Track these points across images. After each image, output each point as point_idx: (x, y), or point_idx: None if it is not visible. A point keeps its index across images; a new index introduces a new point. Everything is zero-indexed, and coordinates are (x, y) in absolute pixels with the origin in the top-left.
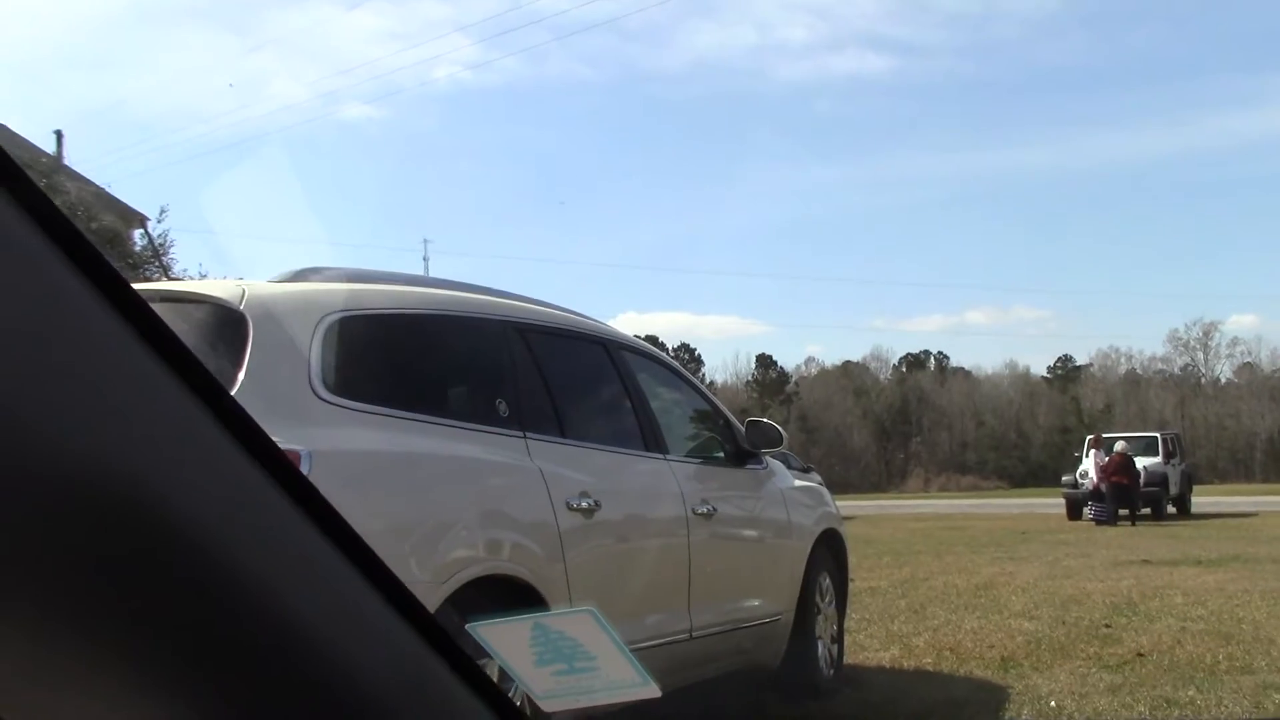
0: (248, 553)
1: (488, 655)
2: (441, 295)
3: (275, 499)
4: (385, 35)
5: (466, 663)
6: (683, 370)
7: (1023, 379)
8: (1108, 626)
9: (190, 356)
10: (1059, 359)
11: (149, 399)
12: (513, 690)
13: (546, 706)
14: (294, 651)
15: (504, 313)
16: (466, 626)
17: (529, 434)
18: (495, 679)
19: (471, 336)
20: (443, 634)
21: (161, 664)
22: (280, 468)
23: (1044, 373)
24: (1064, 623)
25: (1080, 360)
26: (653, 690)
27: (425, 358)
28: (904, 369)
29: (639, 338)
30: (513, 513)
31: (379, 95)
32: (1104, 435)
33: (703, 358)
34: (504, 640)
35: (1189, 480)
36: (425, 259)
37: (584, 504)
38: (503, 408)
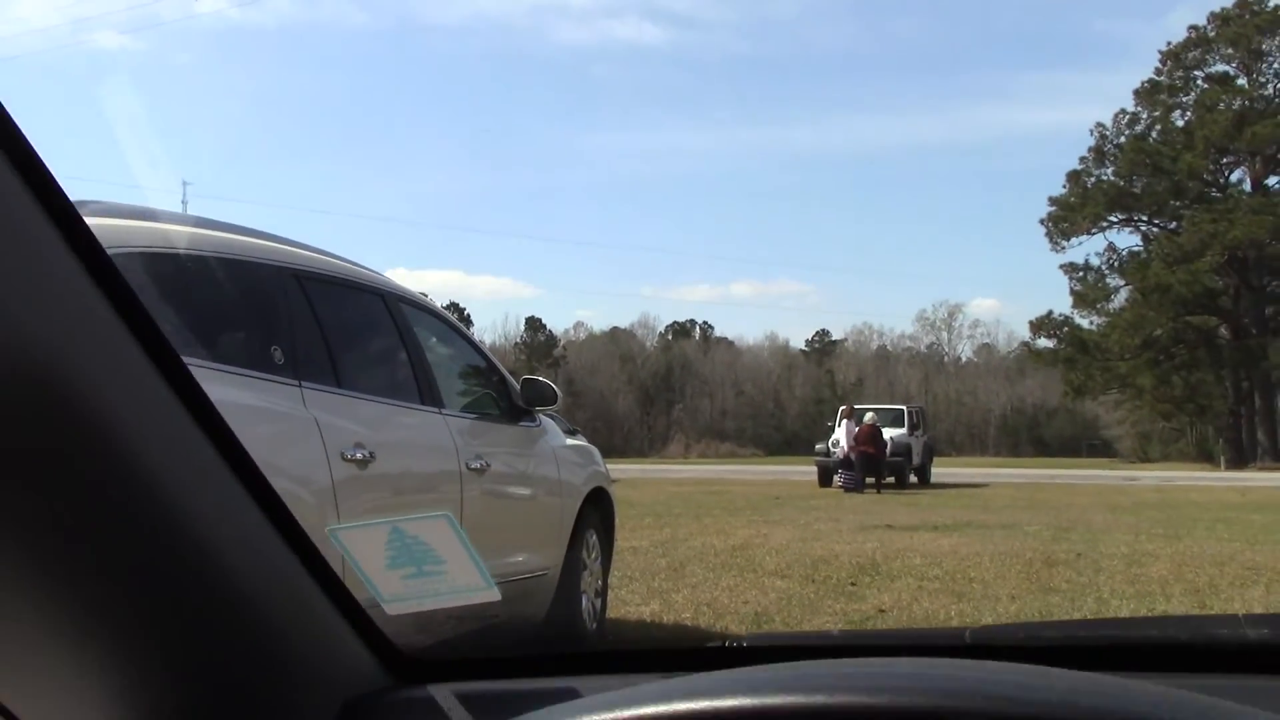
0: (155, 461)
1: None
2: (215, 236)
3: (177, 409)
4: None
5: (343, 592)
6: (460, 326)
7: (782, 351)
8: (853, 585)
9: (105, 258)
10: (816, 333)
11: (67, 294)
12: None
13: (390, 610)
14: (190, 559)
15: (281, 258)
16: (327, 529)
17: (304, 383)
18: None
19: (246, 280)
20: (326, 567)
21: (71, 566)
22: (179, 377)
23: (802, 346)
24: (813, 581)
25: (836, 335)
26: (493, 594)
27: (195, 300)
28: (670, 337)
29: None
30: (284, 462)
31: (137, 25)
32: (855, 406)
33: (472, 318)
34: (360, 544)
35: (930, 452)
36: (184, 202)
37: (358, 455)
38: (278, 355)
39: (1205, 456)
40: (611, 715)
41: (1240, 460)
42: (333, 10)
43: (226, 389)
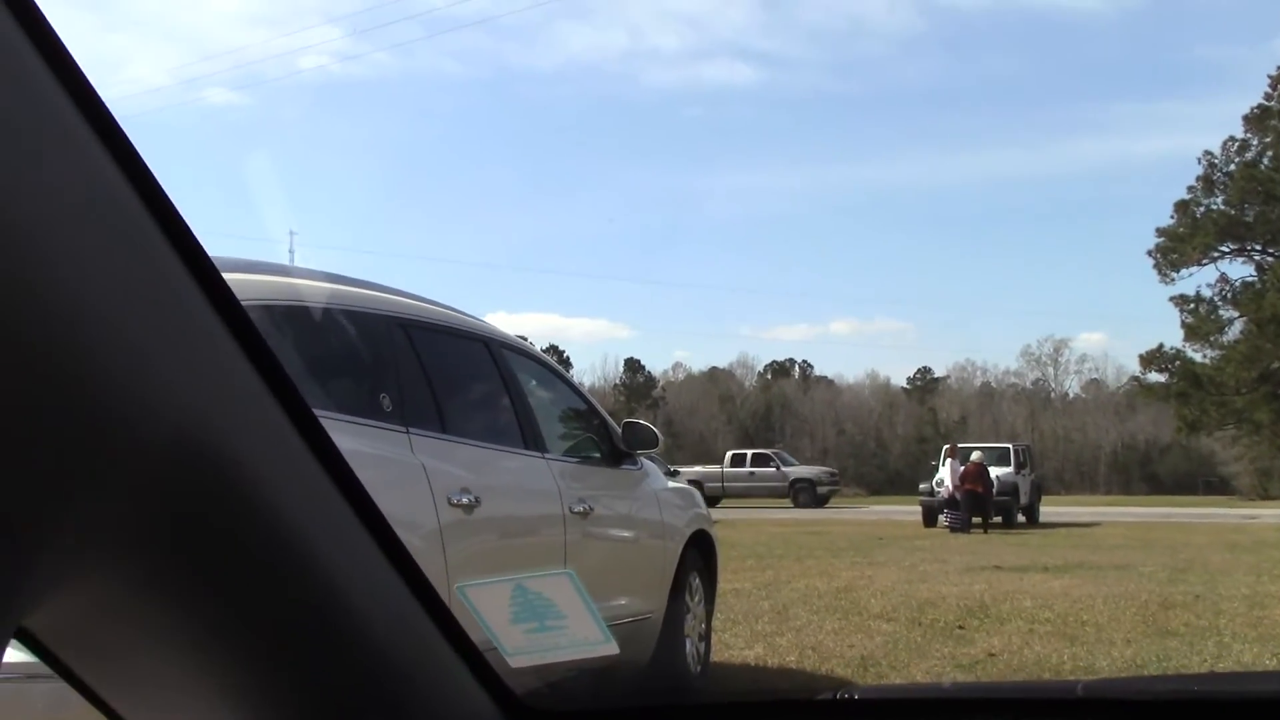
0: (294, 516)
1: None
2: (325, 287)
3: (313, 465)
4: (250, 20)
5: (454, 626)
6: (560, 369)
7: (883, 389)
8: (961, 628)
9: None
10: (918, 370)
11: (213, 353)
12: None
13: (514, 662)
14: (324, 609)
15: (388, 307)
16: (455, 587)
17: (411, 429)
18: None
19: (355, 330)
20: (447, 613)
21: (213, 619)
22: (314, 432)
23: (903, 383)
24: (920, 624)
25: (938, 372)
26: (612, 648)
27: (307, 349)
28: (769, 376)
29: None
30: (392, 507)
31: (243, 82)
32: (959, 445)
33: (571, 360)
34: (486, 600)
35: (1038, 490)
36: (291, 251)
37: (464, 499)
38: (386, 402)
39: None
40: None
41: None
42: (429, 62)
43: (338, 436)
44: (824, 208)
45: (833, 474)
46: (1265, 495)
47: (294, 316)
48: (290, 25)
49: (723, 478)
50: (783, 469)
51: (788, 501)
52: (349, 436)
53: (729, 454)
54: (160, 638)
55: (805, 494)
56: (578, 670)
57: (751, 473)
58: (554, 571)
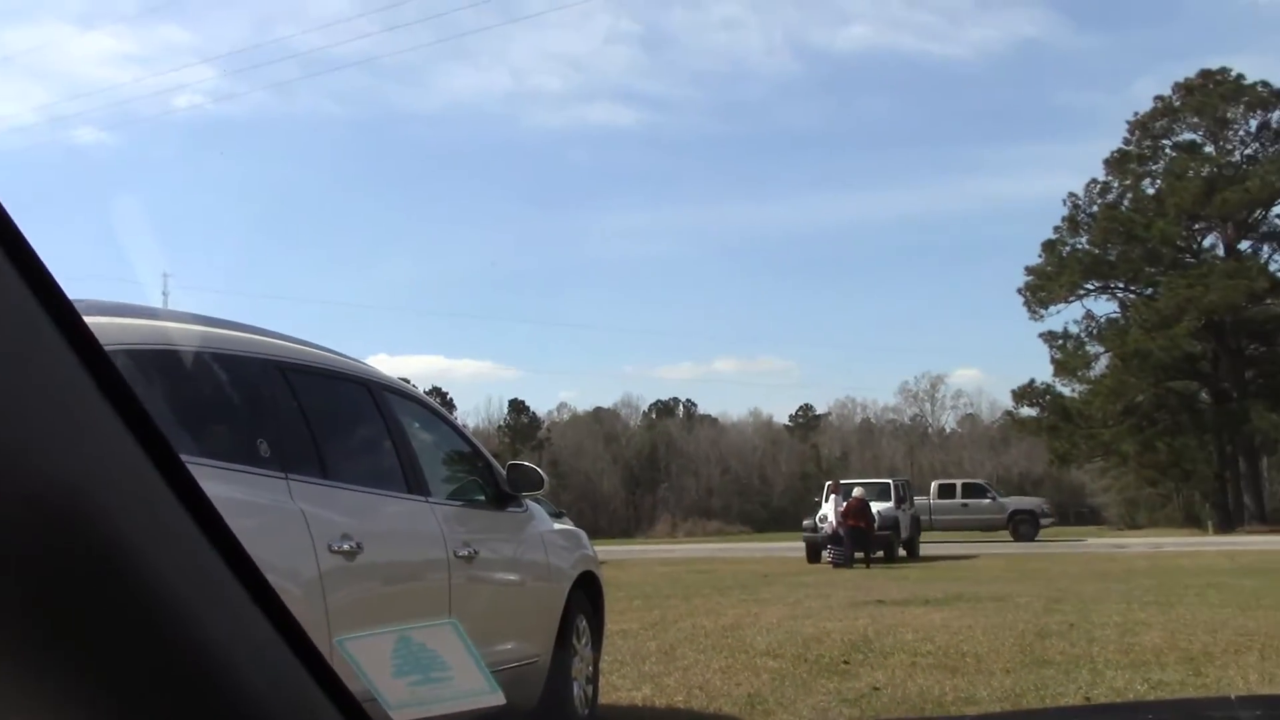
0: (163, 571)
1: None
2: (199, 331)
3: (182, 516)
4: (122, 59)
5: (335, 681)
6: (444, 412)
7: (766, 426)
8: (846, 663)
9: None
10: (800, 408)
11: (71, 400)
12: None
13: (397, 716)
14: (181, 648)
15: (265, 350)
16: (335, 640)
17: (290, 474)
18: None
19: (230, 374)
20: (326, 667)
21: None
22: (183, 483)
23: (786, 421)
24: (806, 660)
25: (820, 409)
26: (498, 698)
27: (179, 395)
28: (654, 415)
29: None
30: (271, 555)
31: (115, 121)
32: (841, 481)
33: (454, 401)
34: (368, 653)
35: (918, 524)
36: (165, 294)
37: (346, 546)
38: (263, 447)
39: (1192, 521)
40: None
41: (1228, 524)
42: (309, 102)
43: (212, 483)
44: (708, 248)
45: (1046, 505)
46: (1133, 525)
47: (163, 361)
48: (164, 64)
49: (930, 510)
50: (999, 500)
51: (1005, 535)
52: (224, 483)
53: (935, 484)
54: (17, 704)
55: (1026, 525)
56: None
57: (965, 504)
58: (438, 622)
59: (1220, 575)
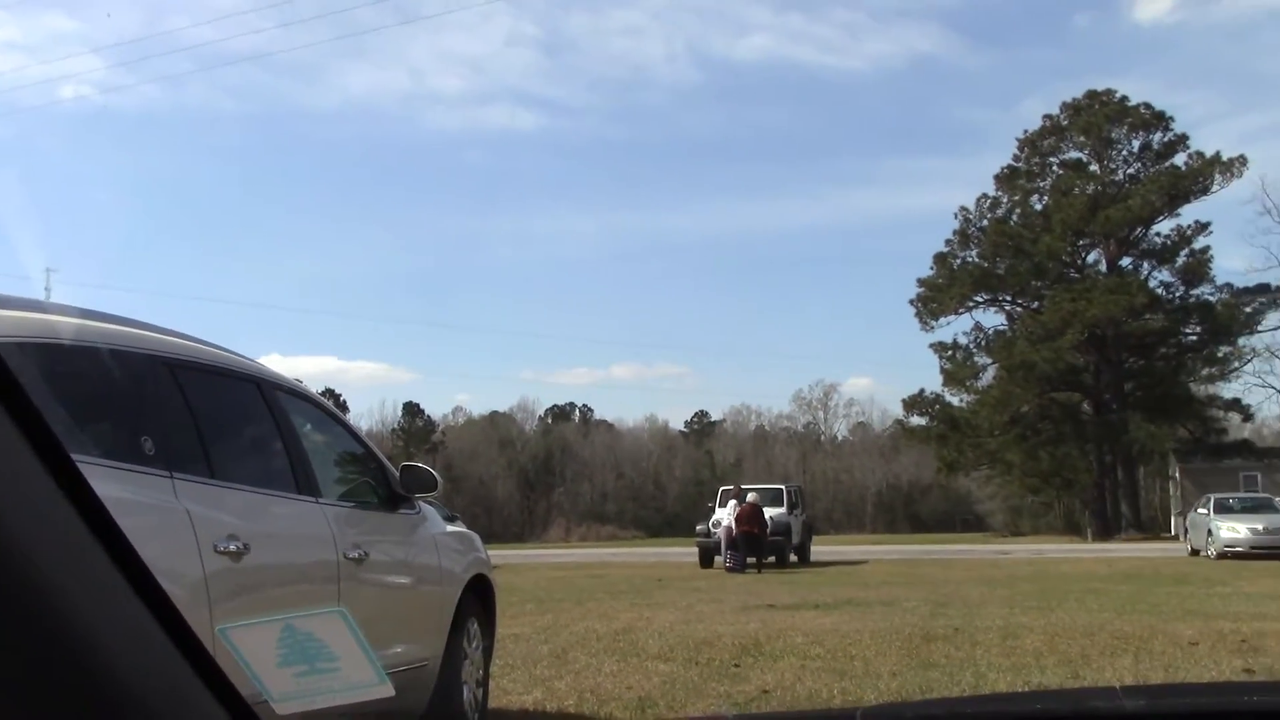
0: (45, 562)
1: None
2: (83, 325)
3: (68, 510)
4: (5, 46)
5: (216, 672)
6: (337, 412)
7: (661, 432)
8: (736, 666)
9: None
10: (695, 414)
11: None
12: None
13: (280, 709)
14: (64, 641)
15: (152, 346)
16: (217, 629)
17: (175, 473)
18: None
19: (116, 369)
20: (212, 665)
21: None
22: (70, 477)
23: (681, 427)
24: (697, 663)
25: (715, 416)
26: (387, 690)
27: (62, 389)
28: (549, 420)
29: None
30: (154, 555)
31: None
32: (737, 486)
33: (348, 403)
34: (251, 642)
35: (809, 530)
36: (47, 289)
37: (232, 547)
38: (148, 445)
39: (1073, 529)
40: None
41: (1106, 532)
42: (202, 96)
43: (96, 481)
44: (606, 253)
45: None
46: (1017, 531)
47: (47, 354)
48: (49, 53)
49: None
50: None
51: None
52: (108, 481)
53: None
54: None
55: None
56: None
57: None
58: (325, 610)
59: (1098, 581)
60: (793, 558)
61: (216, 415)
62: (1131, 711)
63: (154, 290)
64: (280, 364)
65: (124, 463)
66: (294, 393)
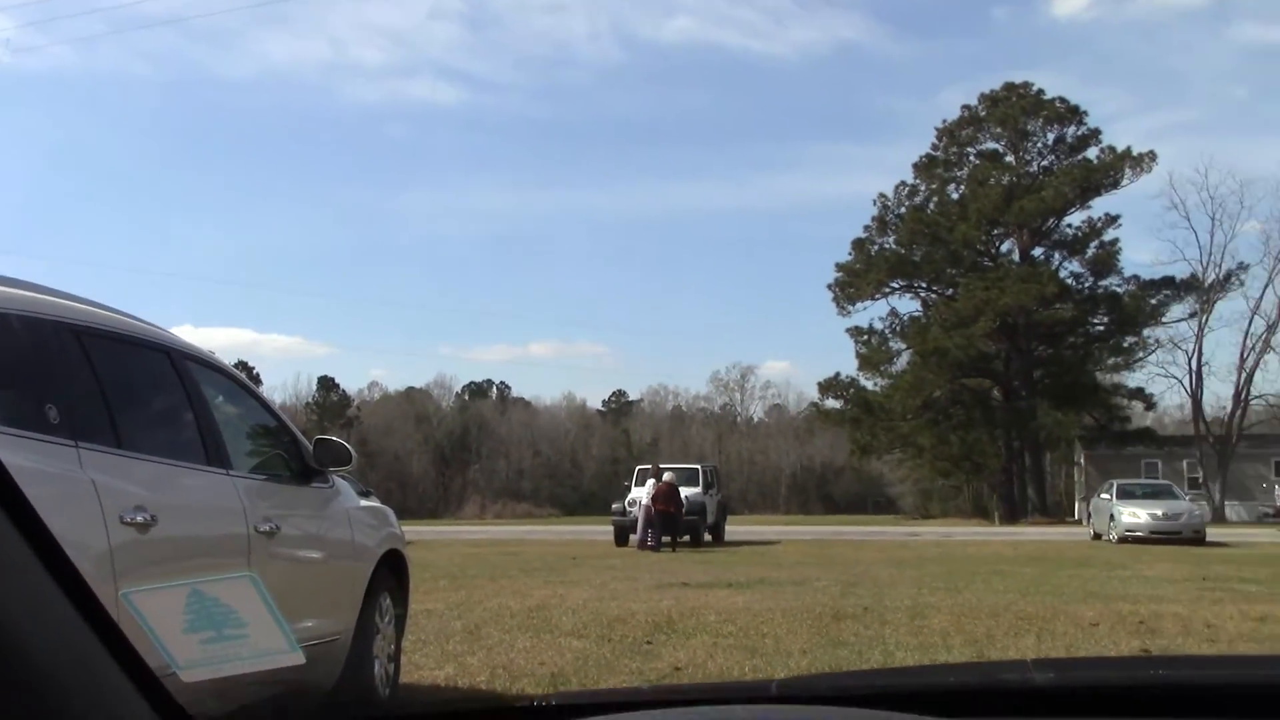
0: None
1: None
2: None
3: None
4: None
5: (125, 645)
6: (249, 384)
7: (579, 411)
8: (649, 643)
9: None
10: (613, 393)
11: None
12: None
13: (186, 677)
14: None
15: (57, 312)
16: (120, 594)
17: (81, 443)
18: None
19: (18, 334)
20: (120, 637)
21: None
22: None
23: (599, 406)
24: (610, 640)
25: (632, 395)
26: (297, 657)
27: None
28: (466, 397)
29: None
30: (58, 526)
31: None
32: (654, 465)
33: (261, 376)
34: (156, 608)
35: (724, 510)
36: None
37: (139, 518)
38: (52, 413)
39: (981, 512)
40: None
41: (1013, 515)
42: (116, 60)
43: None
44: (526, 231)
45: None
46: (926, 514)
47: None
48: None
49: None
50: None
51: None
52: (10, 450)
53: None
54: None
55: None
56: (260, 694)
57: None
58: (235, 575)
59: (1004, 563)
60: (707, 537)
61: (125, 384)
62: (1041, 684)
63: (63, 258)
64: (193, 335)
65: (27, 431)
66: (206, 364)
